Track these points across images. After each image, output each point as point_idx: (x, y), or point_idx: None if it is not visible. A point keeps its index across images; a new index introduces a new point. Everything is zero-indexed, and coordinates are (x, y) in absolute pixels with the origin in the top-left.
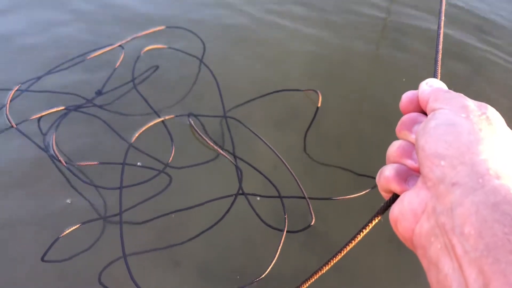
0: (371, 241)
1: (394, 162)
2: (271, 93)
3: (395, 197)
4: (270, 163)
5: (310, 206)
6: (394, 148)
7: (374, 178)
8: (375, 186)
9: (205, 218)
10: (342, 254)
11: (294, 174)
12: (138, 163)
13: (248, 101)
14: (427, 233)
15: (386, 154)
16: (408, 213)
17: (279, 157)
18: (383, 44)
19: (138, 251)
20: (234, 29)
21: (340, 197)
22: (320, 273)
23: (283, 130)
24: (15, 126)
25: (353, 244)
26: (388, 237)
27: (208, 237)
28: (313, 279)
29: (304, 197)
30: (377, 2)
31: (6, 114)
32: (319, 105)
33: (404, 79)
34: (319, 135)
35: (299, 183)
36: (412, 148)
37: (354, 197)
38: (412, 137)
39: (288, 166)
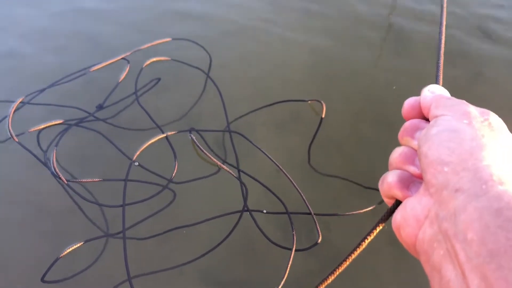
0: (373, 244)
1: (396, 168)
2: (275, 103)
3: (397, 203)
4: (273, 174)
5: (317, 223)
6: (396, 154)
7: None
8: (382, 201)
9: (209, 233)
10: (348, 263)
11: (299, 189)
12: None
13: (251, 112)
14: (430, 239)
15: (389, 160)
16: (411, 219)
17: (284, 173)
18: (385, 50)
19: (143, 268)
20: (237, 39)
21: (347, 213)
22: (326, 283)
23: (286, 140)
24: (16, 139)
25: (357, 252)
26: (390, 240)
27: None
28: None
29: (310, 213)
30: (379, 7)
31: (8, 127)
32: (323, 116)
33: (394, 87)
34: (323, 146)
35: (305, 199)
36: (414, 155)
37: (361, 212)
38: (414, 143)
39: (294, 182)
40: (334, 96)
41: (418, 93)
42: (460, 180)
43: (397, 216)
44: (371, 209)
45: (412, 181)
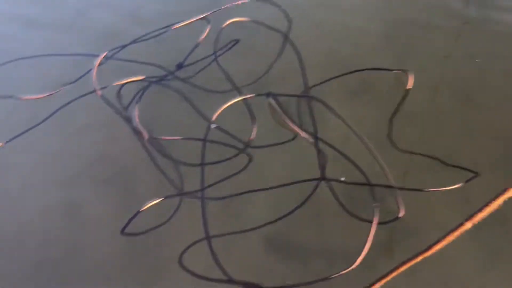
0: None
1: None
2: (358, 71)
3: None
4: (344, 144)
5: (399, 197)
6: None
7: (466, 169)
8: (469, 180)
9: (282, 198)
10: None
11: (381, 162)
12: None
13: (332, 78)
14: None
15: None
16: None
17: (368, 147)
18: (468, 19)
19: (214, 228)
20: (317, 4)
21: (432, 189)
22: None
23: (360, 110)
24: (99, 93)
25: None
26: (473, 236)
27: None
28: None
29: (392, 187)
30: None
31: (93, 80)
32: (409, 87)
33: (477, 60)
34: (404, 119)
35: (387, 173)
36: None
37: (446, 190)
38: None
39: (377, 157)
40: (411, 67)
41: (504, 69)
42: None
43: None
44: (457, 187)
45: None
